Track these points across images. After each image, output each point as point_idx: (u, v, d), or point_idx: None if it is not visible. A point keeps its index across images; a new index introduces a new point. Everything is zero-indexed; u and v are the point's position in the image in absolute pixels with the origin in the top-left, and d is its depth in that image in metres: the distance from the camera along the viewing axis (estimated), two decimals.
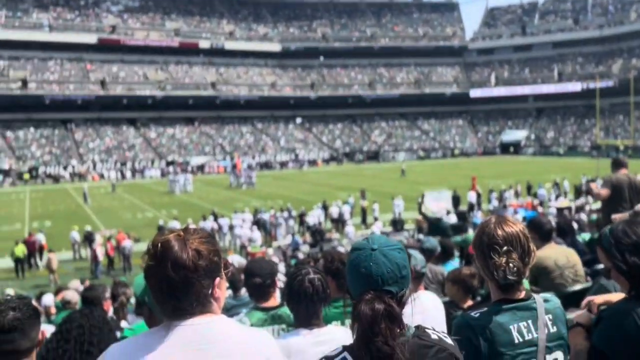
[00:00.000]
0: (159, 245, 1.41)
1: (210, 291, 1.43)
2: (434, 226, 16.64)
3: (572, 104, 69.51)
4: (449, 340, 1.55)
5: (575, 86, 68.10)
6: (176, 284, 1.38)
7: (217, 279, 1.45)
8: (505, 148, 67.57)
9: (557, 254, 4.09)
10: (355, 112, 73.03)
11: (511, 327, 1.76)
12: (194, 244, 1.42)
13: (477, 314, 1.81)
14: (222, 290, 1.49)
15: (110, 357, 1.38)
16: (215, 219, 22.75)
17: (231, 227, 21.98)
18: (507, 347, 1.73)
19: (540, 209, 20.54)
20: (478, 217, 19.52)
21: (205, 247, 1.43)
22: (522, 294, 1.86)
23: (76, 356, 2.59)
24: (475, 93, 75.21)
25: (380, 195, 30.02)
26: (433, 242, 5.27)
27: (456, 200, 25.22)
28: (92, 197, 34.75)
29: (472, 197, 25.34)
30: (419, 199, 23.89)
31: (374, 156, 65.01)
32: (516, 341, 1.74)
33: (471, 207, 24.16)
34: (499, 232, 1.84)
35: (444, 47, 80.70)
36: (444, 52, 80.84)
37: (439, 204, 20.51)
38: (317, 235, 20.57)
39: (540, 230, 4.24)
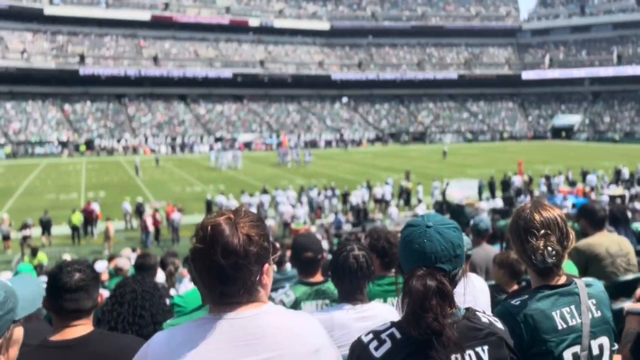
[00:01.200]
0: (209, 228, 1.35)
1: (258, 278, 1.38)
2: (454, 212, 16.51)
3: (631, 88, 66.21)
4: (499, 325, 1.54)
5: (635, 69, 64.82)
6: (225, 269, 1.32)
7: (266, 265, 1.40)
8: (556, 133, 65.26)
9: (609, 242, 3.97)
10: (402, 92, 72.01)
11: (553, 313, 1.74)
12: (244, 228, 1.35)
13: (518, 302, 1.78)
14: (270, 277, 1.44)
15: (154, 347, 1.35)
16: (265, 193, 23.13)
17: (275, 204, 22.25)
18: (550, 333, 1.70)
19: (592, 196, 19.86)
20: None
21: (256, 232, 1.37)
22: (563, 279, 1.82)
23: (129, 319, 2.73)
24: (527, 75, 72.71)
25: (425, 177, 29.68)
26: (487, 222, 5.21)
27: (505, 185, 24.81)
28: (143, 169, 35.84)
29: (517, 181, 24.71)
30: (444, 185, 23.65)
31: (419, 137, 64.14)
32: (559, 327, 1.71)
33: (518, 192, 23.59)
34: (536, 216, 1.80)
35: (496, 28, 78.17)
36: (497, 33, 78.33)
37: (462, 192, 20.38)
38: (360, 214, 20.61)
39: (592, 217, 4.12)
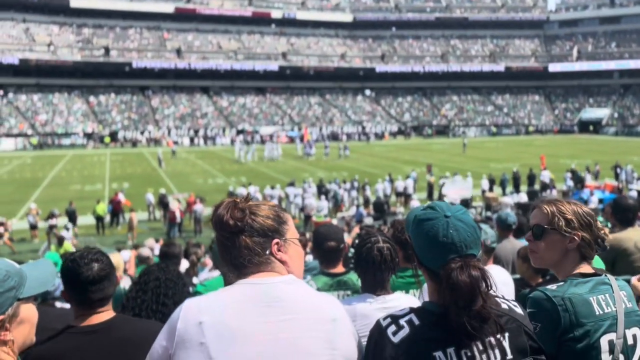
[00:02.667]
0: (214, 207, 1.56)
1: (268, 251, 1.50)
2: None
3: None
4: (518, 310, 1.53)
5: None
6: (224, 240, 1.50)
7: (276, 240, 1.52)
8: (584, 127, 64.01)
9: (638, 236, 3.88)
10: (425, 85, 71.38)
11: (591, 298, 1.74)
12: (243, 206, 1.52)
13: (555, 287, 1.79)
14: (289, 255, 1.54)
15: (185, 310, 1.42)
16: (290, 186, 23.16)
17: (296, 196, 22.28)
18: (588, 318, 1.71)
19: (620, 191, 19.44)
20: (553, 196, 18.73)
21: (261, 210, 1.53)
22: (593, 271, 1.87)
23: (153, 306, 2.74)
24: (554, 67, 71.37)
25: (447, 170, 29.42)
26: (514, 216, 5.19)
27: (531, 179, 24.55)
28: (165, 161, 36.26)
29: (545, 176, 24.32)
30: (440, 183, 23.40)
31: (442, 131, 63.55)
32: (597, 312, 1.72)
33: (544, 187, 23.22)
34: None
35: (523, 19, 76.84)
36: (523, 24, 77.03)
37: (457, 192, 20.45)
38: (382, 207, 20.52)
39: (622, 212, 4.04)
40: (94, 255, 2.13)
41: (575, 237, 1.85)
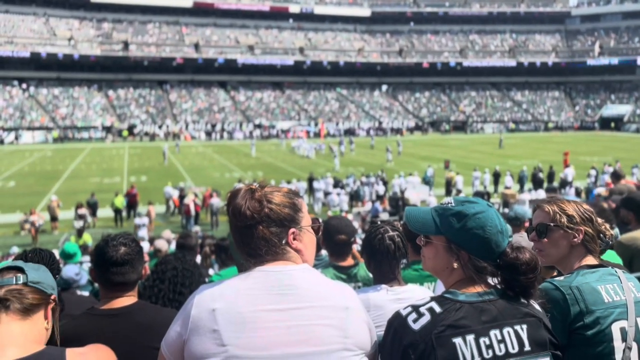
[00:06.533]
0: (229, 194, 1.54)
1: (284, 240, 1.50)
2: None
3: None
4: (536, 306, 1.54)
5: None
6: (240, 229, 1.49)
7: (292, 230, 1.51)
8: (605, 123, 62.95)
9: None
10: (444, 80, 70.80)
11: (599, 287, 1.77)
12: (260, 195, 1.50)
13: (562, 278, 1.83)
14: (304, 243, 1.54)
15: (199, 297, 1.44)
16: (310, 181, 23.26)
17: (314, 192, 22.35)
18: (597, 305, 1.73)
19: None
20: (570, 194, 18.53)
21: (278, 198, 1.51)
22: (598, 263, 1.92)
23: (169, 295, 2.78)
24: (575, 63, 70.27)
25: (465, 167, 29.20)
26: (518, 211, 5.12)
27: (550, 177, 24.35)
28: (183, 155, 36.52)
29: (568, 174, 23.87)
30: (403, 188, 23.04)
31: (460, 127, 63.00)
32: (606, 300, 1.74)
33: (563, 184, 22.93)
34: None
35: (544, 13, 75.71)
36: (544, 19, 75.90)
37: (417, 194, 20.70)
38: (397, 203, 20.46)
39: (637, 210, 3.98)
40: (124, 239, 2.17)
41: (580, 232, 1.91)
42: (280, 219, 1.50)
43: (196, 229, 17.38)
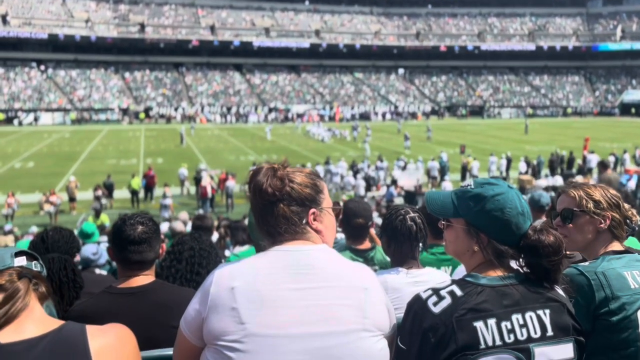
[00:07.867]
0: (251, 172, 1.55)
1: (305, 220, 1.49)
2: (408, 198, 18.09)
3: None
4: (560, 291, 1.52)
5: None
6: (261, 206, 1.49)
7: (312, 210, 1.50)
8: (625, 109, 61.83)
9: None
10: (461, 64, 69.92)
11: (625, 272, 1.75)
12: (282, 174, 1.50)
13: (587, 263, 1.80)
14: (324, 224, 1.53)
15: (218, 275, 1.43)
16: (327, 164, 23.35)
17: (330, 176, 22.36)
18: (623, 291, 1.70)
19: None
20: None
21: (299, 178, 1.51)
22: (624, 249, 1.89)
23: (187, 276, 2.79)
24: (596, 47, 68.87)
25: (481, 152, 28.94)
26: (547, 197, 5.08)
27: (570, 163, 24.08)
28: (198, 137, 36.65)
29: (592, 160, 23.34)
30: (394, 175, 22.80)
31: (477, 111, 62.34)
32: (632, 286, 1.71)
33: (579, 171, 22.59)
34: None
35: None
36: (565, 2, 74.37)
37: (409, 181, 20.52)
38: (414, 188, 20.37)
39: None
40: (142, 218, 2.18)
41: (607, 218, 1.87)
42: (302, 198, 1.50)
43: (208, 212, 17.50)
